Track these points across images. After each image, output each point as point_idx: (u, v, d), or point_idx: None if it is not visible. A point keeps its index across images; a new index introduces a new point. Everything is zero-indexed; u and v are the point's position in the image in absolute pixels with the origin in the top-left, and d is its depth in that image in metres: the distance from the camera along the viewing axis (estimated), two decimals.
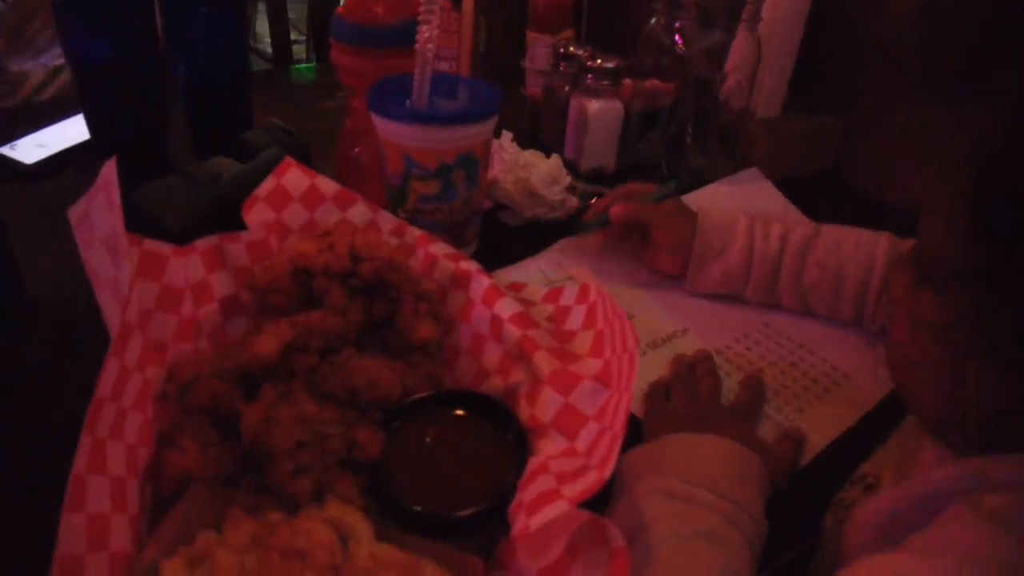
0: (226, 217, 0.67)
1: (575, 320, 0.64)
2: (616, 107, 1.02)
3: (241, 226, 0.67)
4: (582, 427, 0.55)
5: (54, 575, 0.44)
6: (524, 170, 0.91)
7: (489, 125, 0.79)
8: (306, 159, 0.93)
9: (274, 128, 0.97)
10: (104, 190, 0.52)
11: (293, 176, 0.68)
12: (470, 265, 0.68)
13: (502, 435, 0.58)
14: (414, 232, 0.71)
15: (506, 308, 0.63)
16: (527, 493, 0.50)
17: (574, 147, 1.07)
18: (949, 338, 0.44)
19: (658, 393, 0.72)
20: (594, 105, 1.01)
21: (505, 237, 0.92)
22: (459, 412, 0.60)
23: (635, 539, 0.51)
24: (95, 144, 1.03)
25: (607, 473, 0.47)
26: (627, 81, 1.06)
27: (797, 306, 0.83)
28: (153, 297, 0.59)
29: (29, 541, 0.47)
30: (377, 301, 0.66)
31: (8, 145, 1.12)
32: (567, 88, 1.09)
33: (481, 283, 0.66)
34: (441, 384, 0.63)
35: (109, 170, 0.51)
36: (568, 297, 0.67)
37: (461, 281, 0.67)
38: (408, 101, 0.78)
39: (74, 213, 0.54)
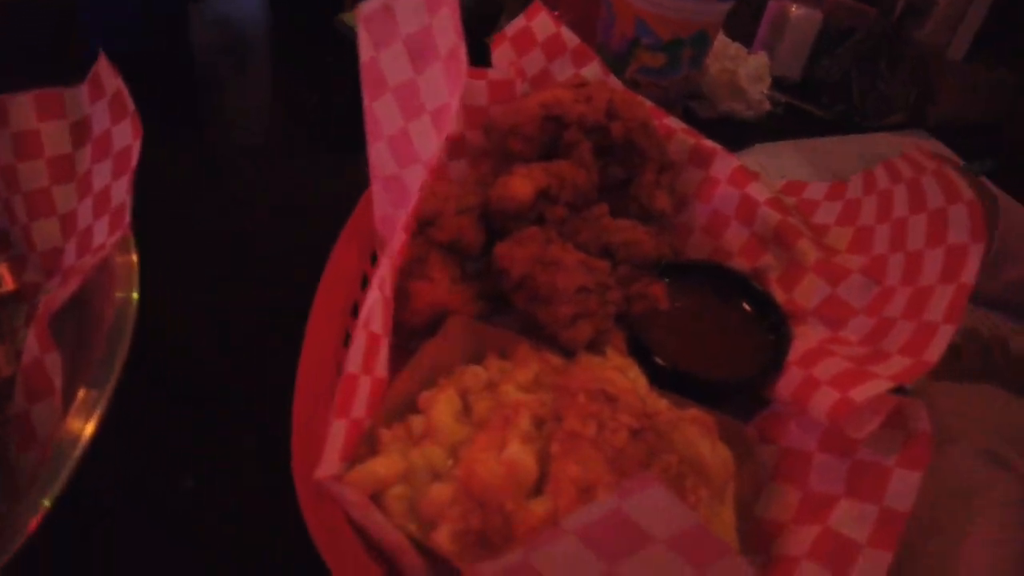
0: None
1: (826, 215, 0.61)
2: (816, 17, 0.98)
3: None
4: (850, 318, 0.54)
5: (338, 395, 0.42)
6: (732, 61, 0.87)
7: (728, 6, 0.75)
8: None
9: None
10: None
11: (541, 21, 0.64)
12: (712, 144, 0.64)
13: (756, 313, 0.56)
14: (646, 102, 0.67)
15: (761, 191, 0.60)
16: (820, 371, 0.49)
17: (764, 49, 1.02)
18: None
19: None
20: (796, 10, 0.97)
21: (695, 127, 0.88)
22: (709, 283, 0.58)
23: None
24: None
25: (931, 358, 0.45)
26: None
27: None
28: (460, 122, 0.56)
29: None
30: (615, 164, 0.63)
31: None
32: None
33: (728, 162, 0.63)
34: (681, 256, 0.61)
35: None
36: (815, 192, 0.64)
37: (703, 158, 0.64)
38: None
39: (369, 6, 0.50)
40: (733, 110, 0.90)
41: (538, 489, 0.41)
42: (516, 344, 0.49)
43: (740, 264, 0.60)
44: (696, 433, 0.45)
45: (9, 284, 0.53)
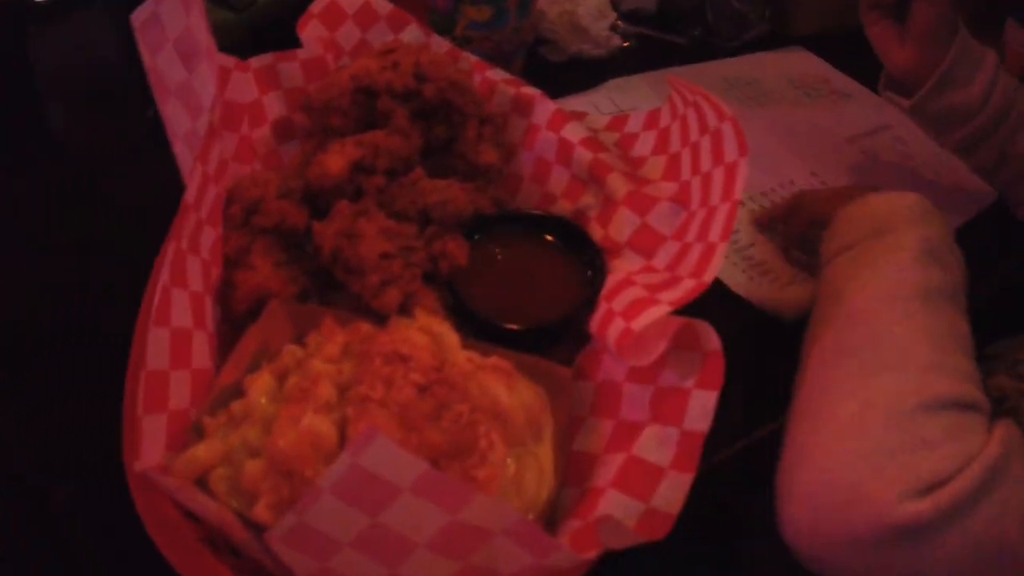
0: (262, 45, 0.63)
1: (643, 147, 0.63)
2: None
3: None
4: (659, 246, 0.56)
5: (141, 392, 0.44)
6: (570, 2, 0.88)
7: None
8: None
9: None
10: None
11: None
12: (532, 91, 0.66)
13: (575, 253, 0.58)
14: (469, 58, 0.69)
15: (575, 132, 0.62)
16: (617, 302, 0.51)
17: None
18: None
19: None
20: None
21: (548, 73, 0.89)
22: (528, 231, 0.60)
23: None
24: None
25: (708, 278, 0.47)
26: None
27: (986, 169, 0.78)
28: (217, 113, 0.57)
29: None
30: (436, 125, 0.64)
31: None
32: None
33: (547, 108, 0.64)
34: (506, 207, 0.62)
35: None
36: (634, 124, 0.65)
37: (523, 107, 0.65)
38: None
39: (139, 16, 0.51)
40: (581, 51, 0.90)
41: (335, 452, 0.44)
42: (325, 318, 0.52)
43: (564, 207, 0.62)
44: (492, 380, 0.47)
45: None
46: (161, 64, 0.51)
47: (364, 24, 0.66)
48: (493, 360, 0.49)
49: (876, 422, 0.44)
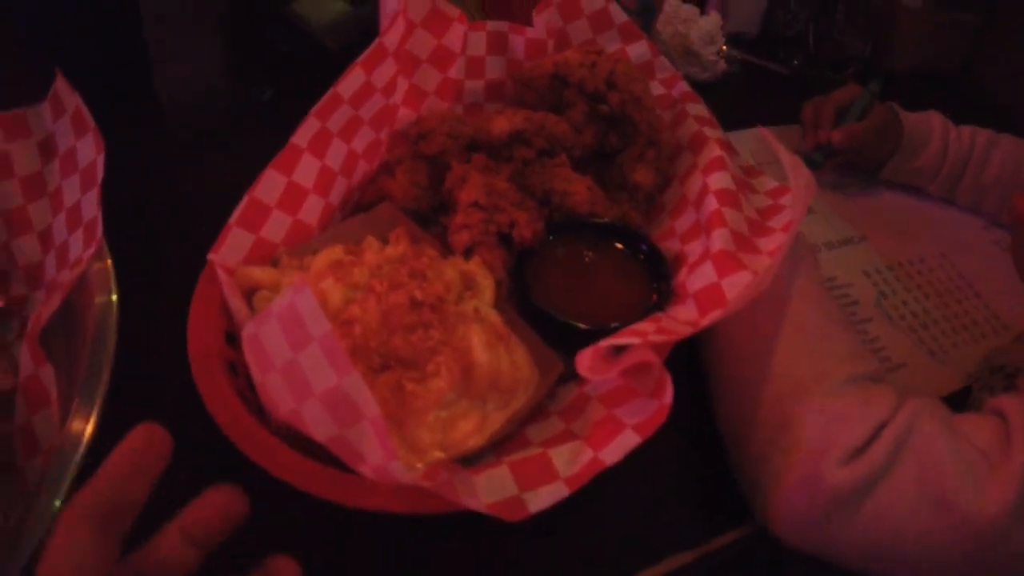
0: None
1: (779, 220, 0.61)
2: None
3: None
4: (716, 308, 0.55)
5: (240, 208, 0.55)
6: (684, 25, 0.86)
7: None
8: None
9: None
10: None
11: None
12: (713, 133, 0.67)
13: (649, 284, 0.60)
14: (683, 87, 0.71)
15: (718, 181, 0.62)
16: (626, 334, 0.52)
17: (718, 7, 0.99)
18: None
19: None
20: None
21: None
22: (621, 247, 0.62)
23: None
24: None
25: (703, 323, 0.49)
26: None
27: (971, 203, 0.89)
28: (429, 50, 0.68)
29: None
30: (612, 134, 0.68)
31: None
32: None
33: (712, 151, 0.65)
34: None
35: None
36: (788, 199, 0.63)
37: (696, 145, 0.67)
38: None
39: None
40: (688, 73, 0.87)
41: (334, 317, 0.52)
42: (405, 228, 0.60)
43: (674, 245, 0.63)
44: (478, 332, 0.52)
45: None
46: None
47: (597, 26, 0.72)
48: (495, 320, 0.54)
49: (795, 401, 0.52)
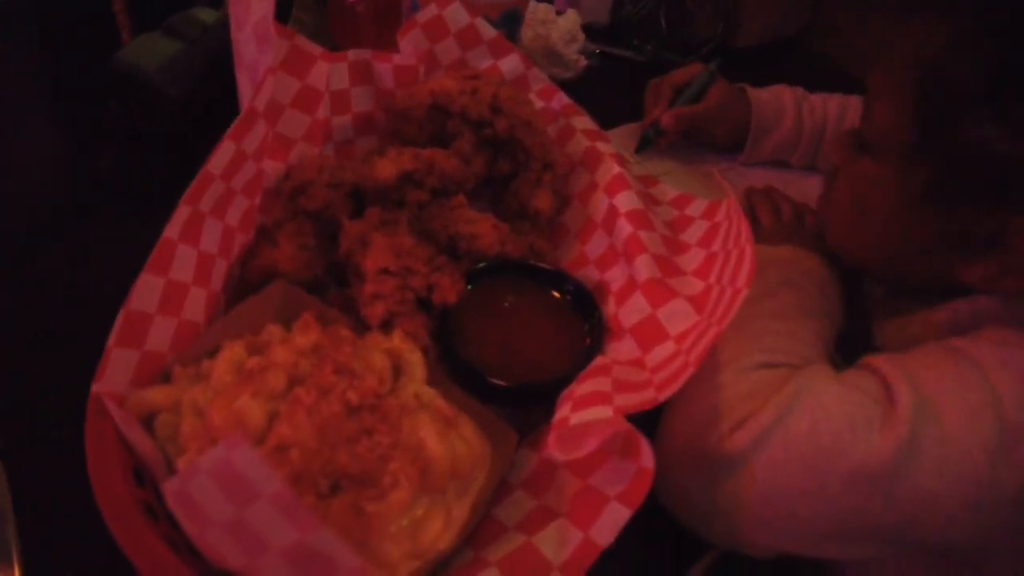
0: (223, 74, 0.56)
1: (693, 233, 0.61)
2: None
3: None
4: (659, 343, 0.53)
5: (116, 326, 0.47)
6: (543, 26, 0.86)
7: None
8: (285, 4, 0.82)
9: None
10: None
11: (455, 11, 0.67)
12: (606, 148, 0.65)
13: (579, 323, 0.57)
14: (563, 98, 0.69)
15: (626, 202, 0.60)
16: (582, 387, 0.50)
17: (569, 1, 1.02)
18: (882, 192, 0.57)
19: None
20: None
21: None
22: (544, 288, 0.59)
23: None
24: None
25: (663, 397, 0.45)
26: None
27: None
28: (292, 93, 0.60)
29: None
30: (502, 158, 0.65)
31: None
32: None
33: (610, 168, 0.63)
34: (540, 258, 0.62)
35: None
36: (695, 208, 0.63)
37: (591, 161, 0.65)
38: None
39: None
40: (551, 74, 0.87)
41: (261, 439, 0.46)
42: (311, 311, 0.54)
43: (592, 273, 0.61)
44: (427, 423, 0.47)
45: None
46: (240, 40, 0.54)
47: (465, 44, 0.67)
48: (440, 403, 0.49)
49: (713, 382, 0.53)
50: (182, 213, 0.50)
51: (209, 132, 0.52)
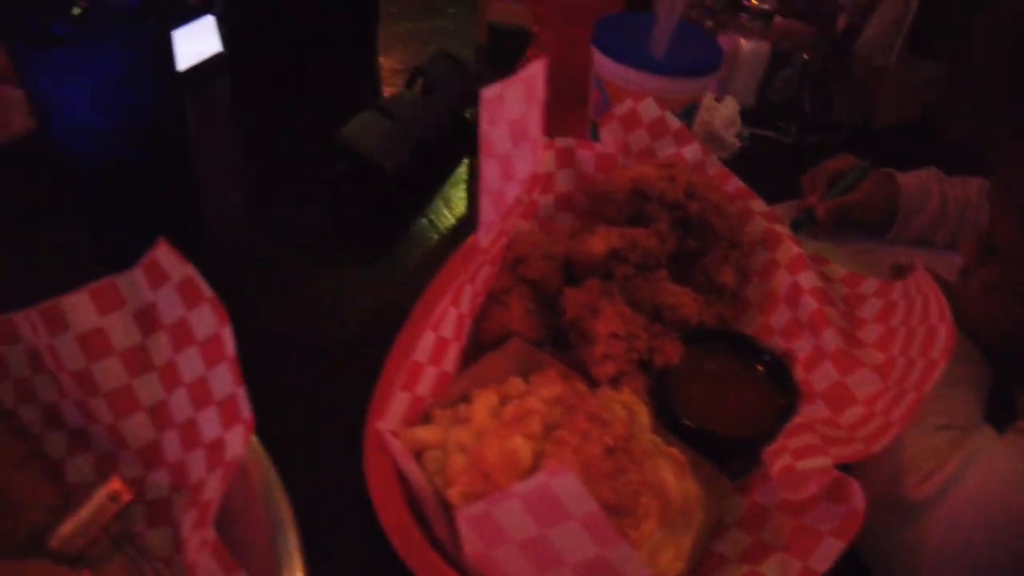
0: (427, 154, 0.74)
1: (869, 310, 0.69)
2: (765, 48, 1.06)
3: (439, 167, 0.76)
4: (849, 407, 0.61)
5: (403, 374, 0.58)
6: (707, 112, 0.95)
7: (715, 74, 0.85)
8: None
9: (442, 57, 1.00)
10: (528, 83, 0.61)
11: (647, 105, 0.76)
12: (783, 230, 0.73)
13: (775, 385, 0.65)
14: (737, 182, 0.78)
15: (808, 280, 0.69)
16: (793, 441, 0.57)
17: (718, 84, 1.10)
18: (1011, 295, 0.66)
19: None
20: (746, 45, 1.04)
21: None
22: (740, 353, 0.68)
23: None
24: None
25: (875, 448, 0.53)
26: (779, 19, 1.11)
27: None
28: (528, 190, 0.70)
29: None
30: (691, 237, 0.74)
31: None
32: (710, 23, 1.13)
33: (790, 249, 0.71)
34: (729, 326, 0.71)
35: (538, 67, 0.60)
36: (867, 288, 0.71)
37: (771, 241, 0.73)
38: (643, 44, 0.82)
39: (489, 92, 0.62)
40: None
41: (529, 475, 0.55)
42: (551, 367, 0.63)
43: (778, 342, 0.69)
44: (664, 465, 0.56)
45: (127, 495, 0.52)
46: (493, 133, 0.62)
47: (655, 134, 0.77)
48: (672, 450, 0.58)
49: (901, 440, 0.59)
50: (458, 284, 0.60)
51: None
